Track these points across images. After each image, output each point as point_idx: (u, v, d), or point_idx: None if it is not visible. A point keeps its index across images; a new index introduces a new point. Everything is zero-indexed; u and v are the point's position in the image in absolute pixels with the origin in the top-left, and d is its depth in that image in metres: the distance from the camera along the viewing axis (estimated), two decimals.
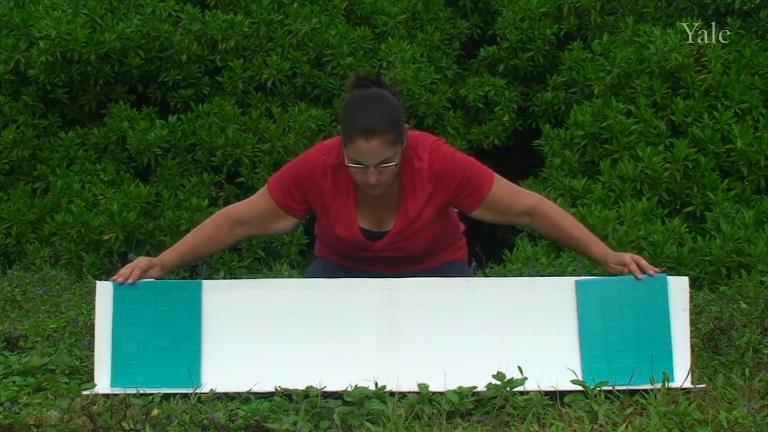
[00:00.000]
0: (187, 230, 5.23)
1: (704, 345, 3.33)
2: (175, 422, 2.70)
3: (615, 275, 3.11)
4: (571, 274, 4.45)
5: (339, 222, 3.20)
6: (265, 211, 3.22)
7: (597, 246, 3.19)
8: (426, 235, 3.24)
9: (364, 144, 2.98)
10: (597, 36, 6.25)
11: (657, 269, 3.08)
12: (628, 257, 3.11)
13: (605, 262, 3.15)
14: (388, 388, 2.84)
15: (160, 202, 5.92)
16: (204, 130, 6.04)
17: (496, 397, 2.78)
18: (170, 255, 3.19)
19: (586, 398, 2.83)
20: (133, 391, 2.96)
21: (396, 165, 3.05)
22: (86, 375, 3.20)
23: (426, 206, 3.16)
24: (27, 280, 5.03)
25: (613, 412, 2.74)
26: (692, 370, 3.02)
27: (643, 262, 3.08)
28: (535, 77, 6.58)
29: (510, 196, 3.21)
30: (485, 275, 4.82)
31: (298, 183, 3.18)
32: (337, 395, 2.83)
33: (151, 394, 2.92)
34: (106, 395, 2.93)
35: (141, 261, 3.13)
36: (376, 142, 2.98)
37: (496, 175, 3.22)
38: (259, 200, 3.24)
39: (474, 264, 4.74)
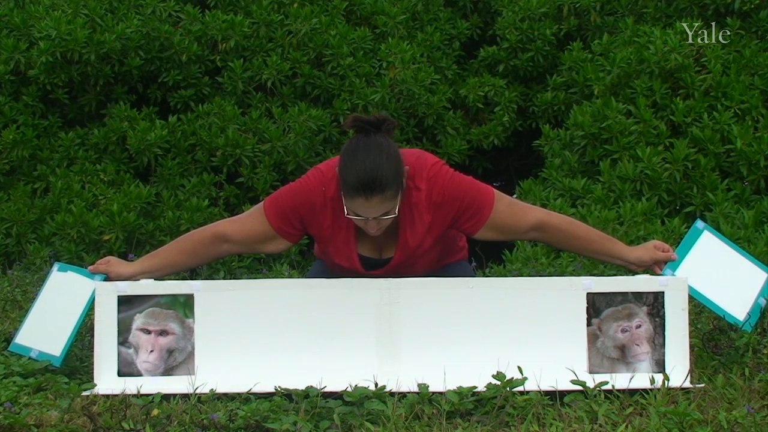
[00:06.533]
0: (187, 230, 5.23)
1: (704, 345, 3.34)
2: (175, 422, 2.70)
3: (629, 274, 3.18)
4: (571, 274, 4.46)
5: (338, 254, 3.19)
6: (258, 234, 3.18)
7: (619, 245, 3.26)
8: (428, 259, 3.24)
9: (363, 202, 2.95)
10: (597, 36, 6.25)
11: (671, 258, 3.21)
12: (648, 259, 3.22)
13: (628, 262, 3.22)
14: (387, 388, 2.84)
15: (160, 203, 5.92)
16: (204, 131, 6.04)
17: (496, 397, 2.78)
18: (150, 264, 3.22)
19: (586, 398, 2.84)
20: (134, 391, 2.96)
21: (396, 213, 3.03)
22: (86, 375, 3.21)
23: (426, 236, 3.14)
24: (27, 280, 5.03)
25: (613, 412, 2.74)
26: (692, 370, 3.03)
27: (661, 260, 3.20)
28: (535, 77, 6.58)
29: (513, 215, 3.17)
30: (485, 275, 4.82)
31: (297, 213, 3.14)
32: (337, 395, 2.83)
33: (151, 394, 2.92)
34: (106, 395, 2.94)
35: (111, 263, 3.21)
36: (376, 200, 2.95)
37: (498, 195, 3.17)
38: (252, 222, 3.19)
39: (474, 264, 4.74)
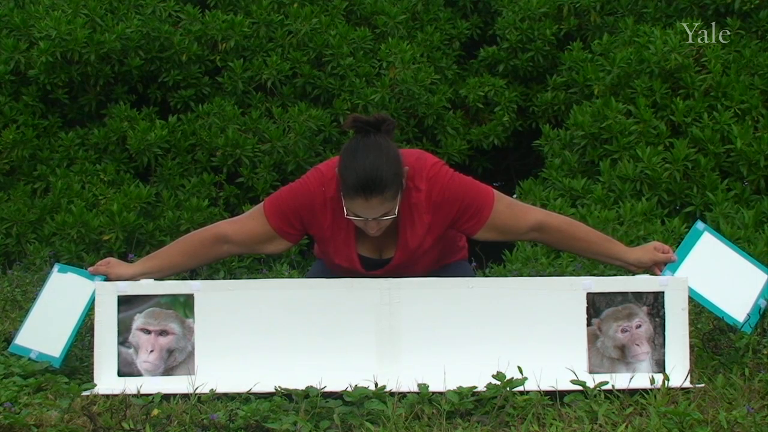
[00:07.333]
0: (187, 230, 5.24)
1: (704, 345, 3.34)
2: (175, 422, 2.70)
3: (629, 274, 3.19)
4: (571, 274, 4.46)
5: (338, 254, 3.19)
6: (259, 234, 3.18)
7: (618, 246, 3.25)
8: (428, 259, 3.24)
9: (363, 202, 2.95)
10: (597, 36, 6.25)
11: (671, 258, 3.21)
12: (647, 260, 3.22)
13: (628, 263, 3.22)
14: (387, 388, 2.84)
15: (160, 202, 5.92)
16: (204, 131, 6.04)
17: (496, 397, 2.78)
18: (150, 265, 3.21)
19: (586, 398, 2.84)
20: (134, 391, 2.96)
21: (396, 214, 3.03)
22: (86, 375, 3.21)
23: (426, 236, 3.14)
24: (27, 280, 5.03)
25: (613, 412, 2.74)
26: (692, 370, 3.03)
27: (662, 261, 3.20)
28: (535, 77, 6.58)
29: (513, 215, 3.17)
30: (485, 275, 4.82)
31: (297, 214, 3.14)
32: (337, 395, 2.83)
33: (151, 394, 2.92)
34: (106, 395, 2.94)
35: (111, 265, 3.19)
36: (376, 201, 2.95)
37: (497, 196, 3.17)
38: (252, 223, 3.19)
39: (474, 264, 4.74)
